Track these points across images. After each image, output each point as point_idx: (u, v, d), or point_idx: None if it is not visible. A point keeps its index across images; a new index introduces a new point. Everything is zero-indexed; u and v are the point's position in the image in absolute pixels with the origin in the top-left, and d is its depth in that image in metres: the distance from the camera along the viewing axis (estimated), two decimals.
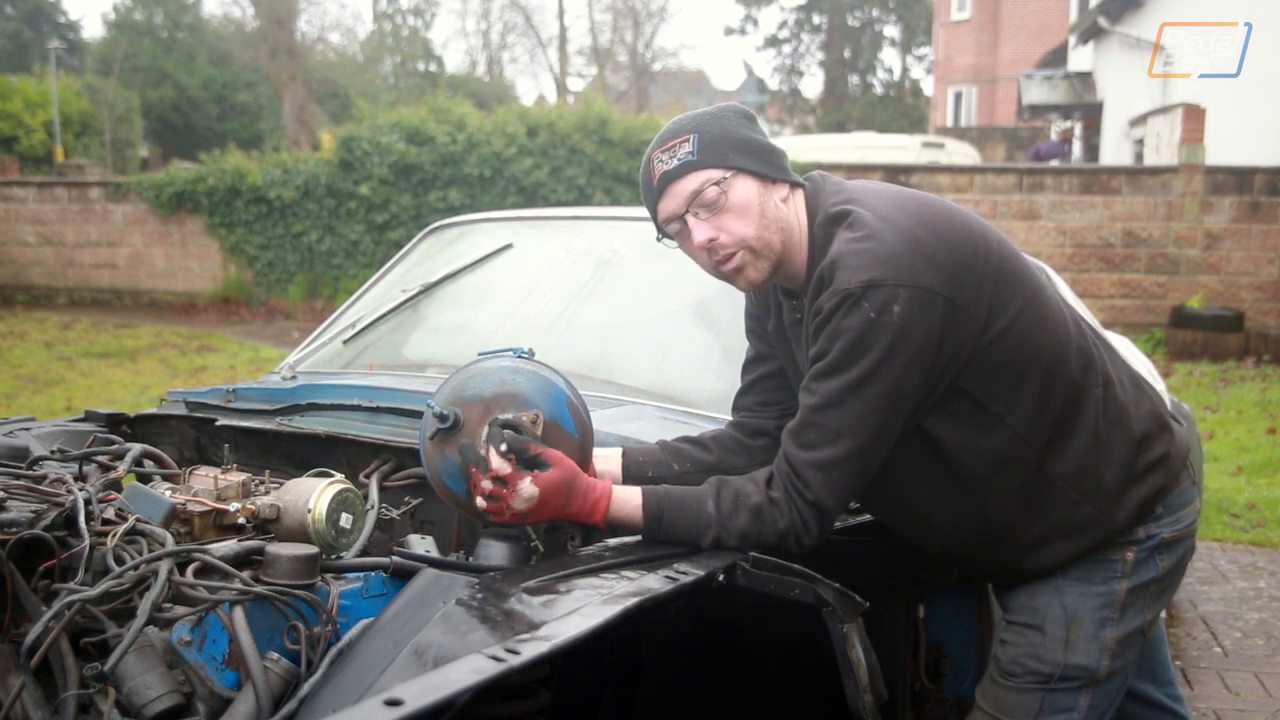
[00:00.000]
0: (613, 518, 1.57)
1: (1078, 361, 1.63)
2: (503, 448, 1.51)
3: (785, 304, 1.72)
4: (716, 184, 1.57)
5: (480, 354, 1.67)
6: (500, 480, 1.51)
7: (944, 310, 1.50)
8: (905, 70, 34.17)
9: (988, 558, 1.72)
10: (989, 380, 1.57)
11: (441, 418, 1.56)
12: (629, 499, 1.57)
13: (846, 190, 1.63)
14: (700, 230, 1.60)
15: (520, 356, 1.65)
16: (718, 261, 1.63)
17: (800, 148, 14.28)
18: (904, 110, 32.51)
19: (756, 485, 1.57)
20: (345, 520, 1.63)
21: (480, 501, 1.53)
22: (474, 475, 1.53)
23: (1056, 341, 1.61)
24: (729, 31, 40.05)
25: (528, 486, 1.50)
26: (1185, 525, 1.73)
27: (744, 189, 1.58)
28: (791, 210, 1.62)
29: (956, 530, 1.69)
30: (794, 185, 1.64)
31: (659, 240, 1.69)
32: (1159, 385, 3.12)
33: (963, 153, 16.21)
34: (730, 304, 2.10)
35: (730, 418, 1.89)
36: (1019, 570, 1.70)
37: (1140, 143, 13.38)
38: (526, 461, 1.52)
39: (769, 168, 1.61)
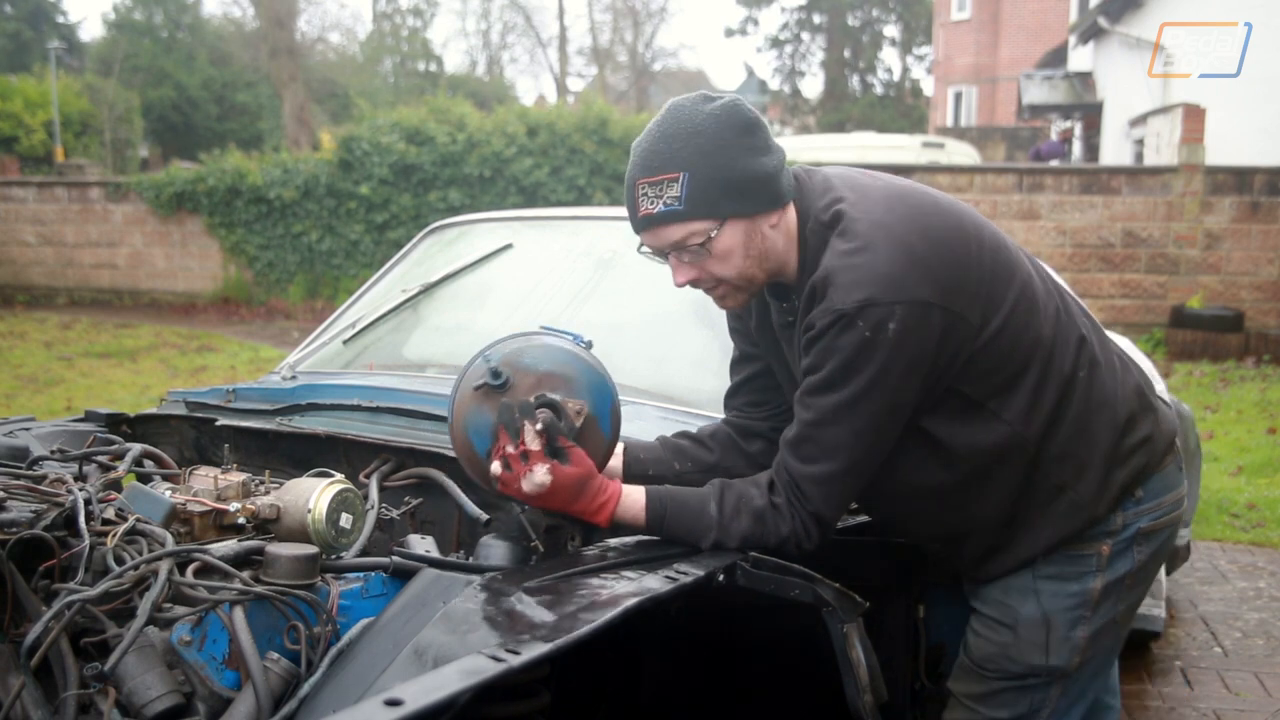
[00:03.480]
0: (617, 519, 1.58)
1: (1070, 348, 1.63)
2: (538, 426, 1.51)
3: (774, 305, 1.70)
4: (701, 242, 1.53)
5: (544, 327, 1.67)
6: (524, 455, 1.50)
7: (940, 320, 1.49)
8: (905, 70, 34.17)
9: (966, 547, 1.71)
10: (984, 380, 1.57)
11: (495, 374, 1.55)
12: (634, 501, 1.57)
13: (834, 189, 1.58)
14: (681, 272, 1.59)
15: (580, 344, 1.65)
16: (700, 288, 1.65)
17: (800, 148, 14.27)
18: (904, 110, 32.51)
19: (759, 489, 1.57)
20: (345, 520, 1.63)
21: (496, 467, 1.53)
22: (501, 439, 1.53)
23: (1049, 332, 1.60)
24: (730, 33, 40.01)
25: (542, 473, 1.50)
26: (1165, 515, 1.71)
27: (730, 237, 1.54)
28: (781, 231, 1.58)
29: (943, 521, 1.69)
30: (787, 203, 1.59)
31: (640, 251, 1.65)
32: (1159, 385, 3.12)
33: (963, 153, 16.21)
34: None
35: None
36: (995, 560, 1.69)
37: (1140, 143, 13.37)
38: (552, 448, 1.52)
39: (761, 204, 1.54)
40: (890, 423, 1.53)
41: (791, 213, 1.59)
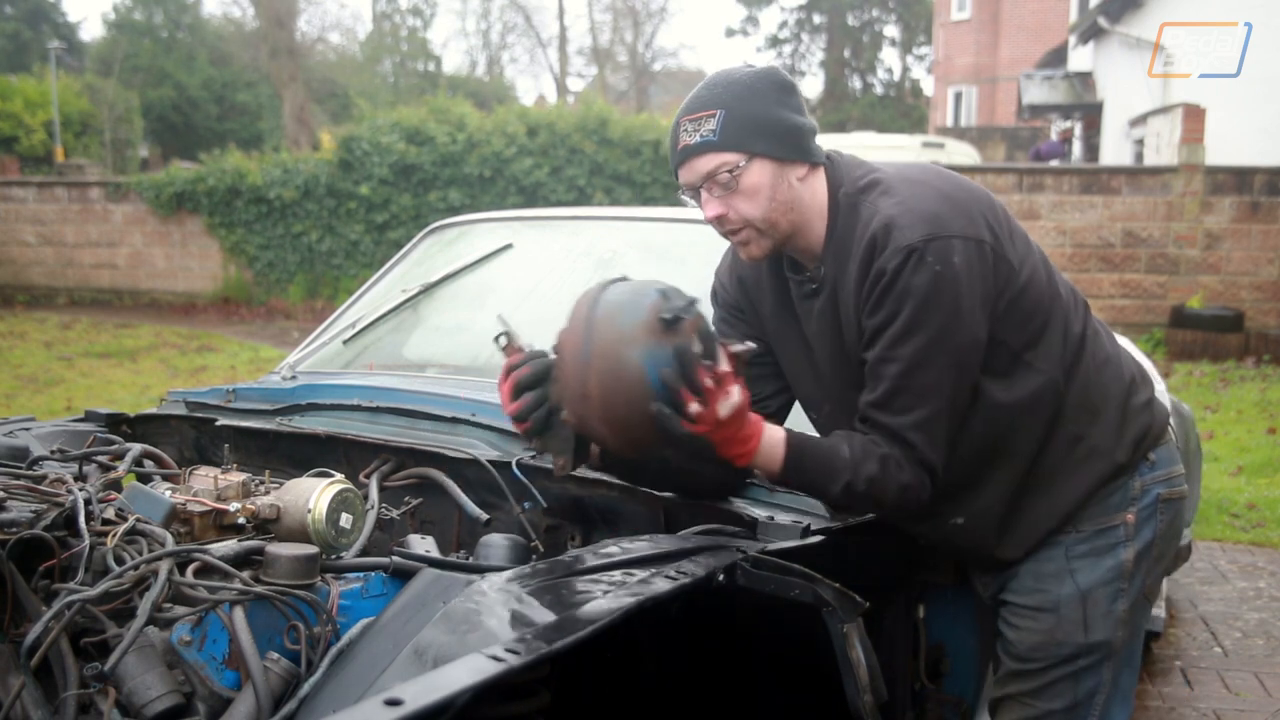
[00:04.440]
0: (757, 457, 1.59)
1: (1079, 310, 1.73)
2: (734, 348, 1.51)
3: (793, 279, 1.74)
4: (730, 171, 1.61)
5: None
6: (717, 379, 1.49)
7: (993, 257, 1.58)
8: (905, 70, 34.22)
9: (990, 516, 1.72)
10: (1021, 328, 1.63)
11: (686, 307, 1.49)
12: (773, 435, 1.59)
13: (866, 164, 1.70)
14: (710, 206, 1.65)
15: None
16: (726, 232, 1.70)
17: None
18: (904, 110, 32.53)
19: (876, 441, 1.60)
20: (345, 520, 1.63)
21: (694, 406, 1.48)
22: (699, 371, 1.48)
23: (1064, 291, 1.71)
24: (730, 33, 40.02)
25: (737, 393, 1.51)
26: (1177, 486, 1.78)
27: (757, 174, 1.62)
28: (808, 188, 1.66)
29: (967, 476, 1.69)
30: (815, 164, 1.67)
31: (679, 194, 1.72)
32: (1159, 385, 3.12)
33: (963, 153, 16.18)
34: None
35: None
36: (1026, 523, 1.71)
37: (1140, 143, 13.37)
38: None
39: (789, 150, 1.63)
40: (972, 357, 1.59)
41: (821, 177, 1.68)
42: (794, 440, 1.60)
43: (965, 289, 1.54)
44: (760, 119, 1.61)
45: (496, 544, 1.62)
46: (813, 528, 1.68)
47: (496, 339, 1.63)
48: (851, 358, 1.67)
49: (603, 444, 1.60)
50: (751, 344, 1.57)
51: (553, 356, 1.59)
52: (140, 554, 1.46)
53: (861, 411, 1.63)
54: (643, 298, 1.53)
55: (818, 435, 1.64)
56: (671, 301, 1.51)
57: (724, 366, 1.51)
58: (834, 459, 1.59)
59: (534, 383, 1.59)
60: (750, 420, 1.56)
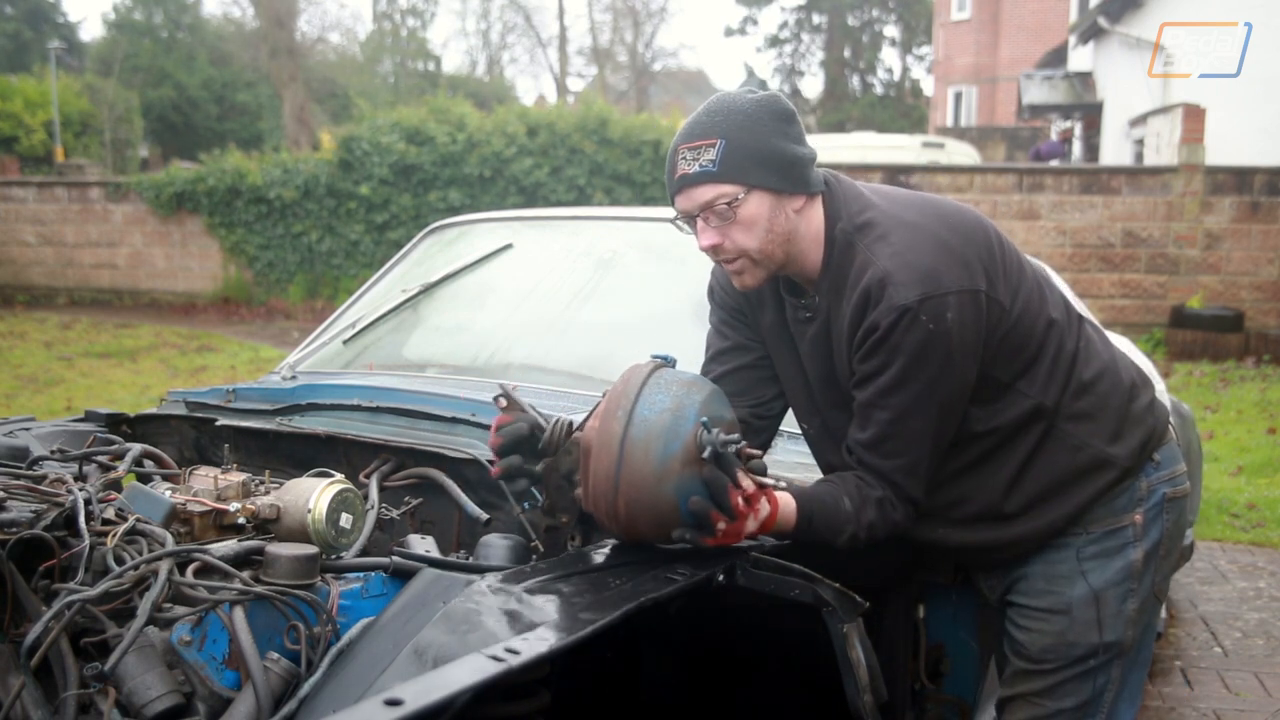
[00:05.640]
0: (773, 529, 1.59)
1: (1072, 326, 1.73)
2: (751, 469, 1.52)
3: (789, 301, 1.74)
4: (728, 202, 1.60)
5: (655, 356, 1.63)
6: (748, 500, 1.50)
7: (986, 304, 1.59)
8: (905, 70, 34.22)
9: (1004, 530, 1.73)
10: (1011, 360, 1.65)
11: (728, 441, 1.45)
12: (787, 510, 1.59)
13: (864, 196, 1.68)
14: (706, 236, 1.64)
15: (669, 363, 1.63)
16: (721, 261, 1.68)
17: None
18: (904, 110, 32.53)
19: (867, 482, 1.63)
20: (345, 520, 1.63)
21: (721, 525, 1.49)
22: (731, 495, 1.48)
23: (1058, 314, 1.71)
24: (729, 32, 40.00)
25: (766, 506, 1.53)
26: (1181, 484, 1.79)
27: (755, 206, 1.61)
28: (805, 218, 1.65)
29: (977, 504, 1.71)
30: (813, 194, 1.66)
31: (674, 221, 1.72)
32: (1159, 385, 3.13)
33: (963, 153, 16.19)
34: None
35: None
36: (1031, 527, 1.71)
37: (1140, 143, 13.37)
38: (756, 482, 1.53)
39: (788, 182, 1.62)
40: (958, 403, 1.62)
41: (819, 207, 1.67)
42: (804, 507, 1.60)
43: (957, 342, 1.55)
44: (760, 150, 1.59)
45: (496, 544, 1.63)
46: None
47: (496, 400, 1.65)
48: (841, 385, 1.68)
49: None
50: (761, 454, 1.58)
51: (532, 416, 1.63)
52: (140, 554, 1.46)
53: (850, 445, 1.66)
54: (682, 425, 1.49)
55: (815, 486, 1.64)
56: (712, 434, 1.46)
57: (749, 486, 1.50)
58: (838, 515, 1.61)
59: (509, 450, 1.63)
60: (771, 512, 1.56)
